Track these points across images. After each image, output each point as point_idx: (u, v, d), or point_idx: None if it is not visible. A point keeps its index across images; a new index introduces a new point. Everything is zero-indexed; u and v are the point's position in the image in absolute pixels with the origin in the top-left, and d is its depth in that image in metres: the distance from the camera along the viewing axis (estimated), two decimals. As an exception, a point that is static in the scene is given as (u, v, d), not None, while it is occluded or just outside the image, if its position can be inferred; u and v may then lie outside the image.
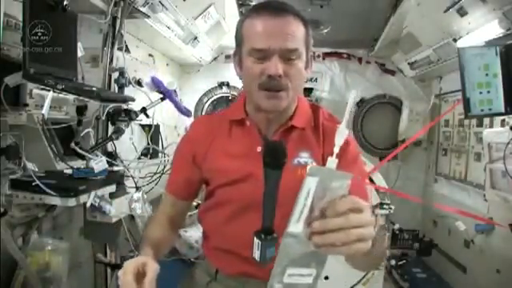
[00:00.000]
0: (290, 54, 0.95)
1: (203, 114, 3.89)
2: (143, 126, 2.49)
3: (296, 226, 0.63)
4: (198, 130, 1.14)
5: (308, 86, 3.90)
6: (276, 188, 0.84)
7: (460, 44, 2.54)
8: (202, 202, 1.19)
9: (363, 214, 0.65)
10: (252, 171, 1.00)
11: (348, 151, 1.01)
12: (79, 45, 1.82)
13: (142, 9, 2.23)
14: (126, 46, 2.33)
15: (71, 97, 1.57)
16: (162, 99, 2.15)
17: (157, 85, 2.11)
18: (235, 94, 3.91)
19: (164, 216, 1.16)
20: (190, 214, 2.66)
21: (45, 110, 1.45)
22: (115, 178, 1.80)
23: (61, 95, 1.53)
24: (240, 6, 3.03)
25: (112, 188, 1.74)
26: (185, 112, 2.29)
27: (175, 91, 2.17)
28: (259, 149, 1.03)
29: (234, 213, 1.05)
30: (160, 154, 2.47)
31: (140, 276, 0.85)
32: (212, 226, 1.13)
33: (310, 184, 0.62)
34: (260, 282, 1.07)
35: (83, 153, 1.64)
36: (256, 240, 0.87)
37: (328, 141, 1.03)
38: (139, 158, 2.31)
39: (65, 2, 1.54)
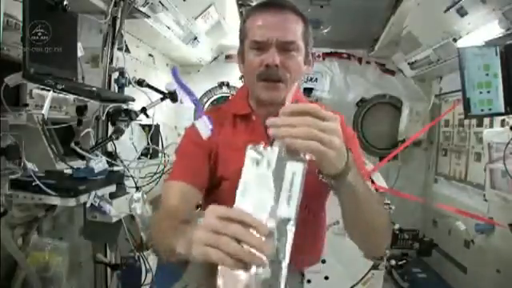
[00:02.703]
0: (288, 45, 0.98)
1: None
2: (143, 126, 2.49)
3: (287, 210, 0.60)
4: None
5: (308, 86, 3.90)
6: None
7: (460, 44, 2.55)
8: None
9: (325, 122, 0.67)
10: None
11: (346, 133, 1.04)
12: (79, 45, 1.81)
13: (142, 9, 2.23)
14: (126, 45, 2.33)
15: (71, 97, 1.57)
16: (162, 99, 2.15)
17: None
18: (235, 94, 3.92)
19: (179, 213, 0.94)
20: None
21: (45, 110, 1.44)
22: (115, 178, 1.80)
23: (61, 95, 1.53)
24: (240, 6, 3.03)
25: (112, 188, 1.74)
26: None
27: (175, 91, 2.17)
28: (263, 144, 1.03)
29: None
30: (160, 154, 2.47)
31: None
32: None
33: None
34: None
35: (83, 153, 1.64)
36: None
37: None
38: (139, 158, 2.30)
39: (65, 2, 1.53)
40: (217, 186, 1.09)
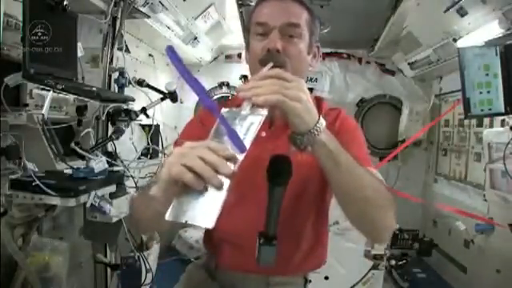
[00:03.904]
0: (290, 29, 0.98)
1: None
2: (143, 126, 2.49)
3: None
4: (208, 115, 1.13)
5: (308, 86, 3.86)
6: (280, 201, 0.83)
7: (460, 44, 2.55)
8: None
9: (290, 83, 0.74)
10: (256, 155, 0.99)
11: (346, 125, 1.08)
12: (79, 45, 1.82)
13: (142, 9, 2.23)
14: (126, 46, 2.33)
15: (71, 97, 1.58)
16: (162, 99, 2.15)
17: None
18: (235, 94, 3.92)
19: None
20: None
21: (45, 110, 1.45)
22: (115, 178, 1.80)
23: (61, 95, 1.53)
24: (240, 6, 3.03)
25: (112, 188, 1.74)
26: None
27: (175, 91, 2.17)
28: (264, 134, 1.05)
29: (239, 198, 1.02)
30: (160, 154, 2.47)
31: None
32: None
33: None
34: (259, 277, 1.07)
35: (83, 153, 1.64)
36: (257, 241, 0.87)
37: (331, 129, 1.02)
38: (139, 158, 2.30)
39: (65, 2, 1.54)
40: None
